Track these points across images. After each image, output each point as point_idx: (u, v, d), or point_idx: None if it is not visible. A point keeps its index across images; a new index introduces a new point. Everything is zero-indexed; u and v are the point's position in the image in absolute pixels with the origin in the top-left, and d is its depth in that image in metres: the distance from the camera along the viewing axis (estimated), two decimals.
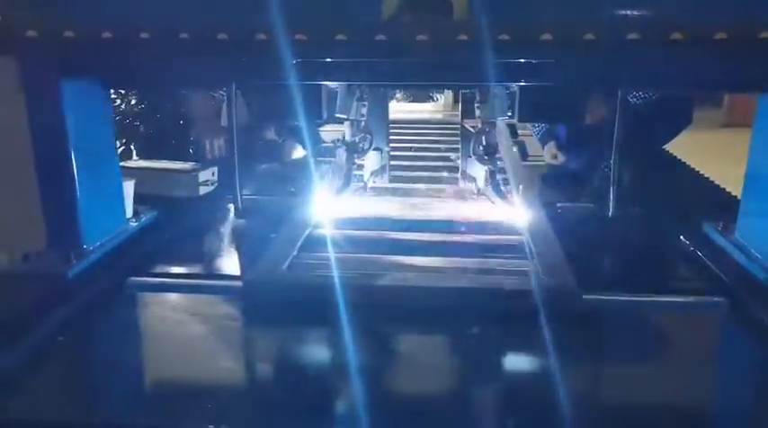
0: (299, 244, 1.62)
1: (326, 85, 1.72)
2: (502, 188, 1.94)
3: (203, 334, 1.33)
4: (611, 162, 1.88)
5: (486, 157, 1.89)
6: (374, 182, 2.07)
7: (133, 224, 1.72)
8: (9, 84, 1.40)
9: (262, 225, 1.88)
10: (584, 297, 1.37)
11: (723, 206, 1.91)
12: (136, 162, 2.22)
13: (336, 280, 1.41)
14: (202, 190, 2.05)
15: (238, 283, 1.45)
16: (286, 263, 1.50)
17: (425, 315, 1.35)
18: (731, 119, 7.36)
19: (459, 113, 2.12)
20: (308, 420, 1.05)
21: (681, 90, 1.57)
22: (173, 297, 1.47)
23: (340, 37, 1.38)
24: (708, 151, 2.60)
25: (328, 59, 1.46)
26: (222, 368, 1.21)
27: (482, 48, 1.36)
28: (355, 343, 1.29)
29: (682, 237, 1.76)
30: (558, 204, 1.99)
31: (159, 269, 1.61)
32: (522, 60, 1.42)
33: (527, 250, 1.60)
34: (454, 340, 1.32)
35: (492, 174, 1.93)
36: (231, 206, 2.05)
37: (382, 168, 2.09)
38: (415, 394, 1.17)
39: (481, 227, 1.79)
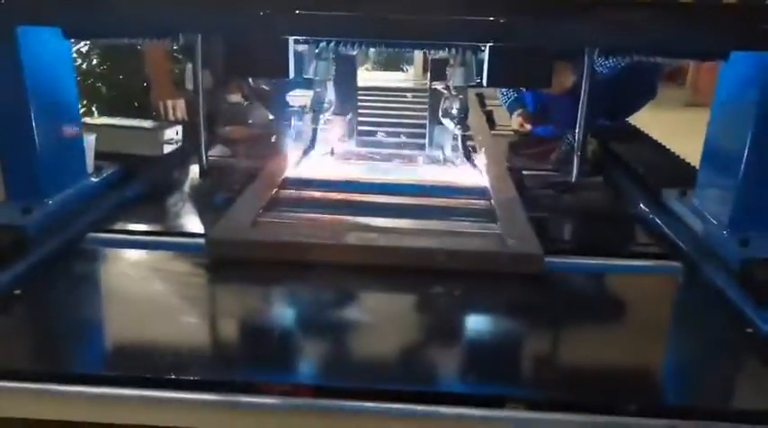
0: (263, 203, 1.61)
1: (295, 46, 1.70)
2: (470, 154, 1.95)
3: (163, 290, 1.33)
4: (576, 131, 1.90)
5: (457, 120, 1.89)
6: (340, 146, 2.06)
7: (94, 179, 1.68)
8: None
9: (226, 184, 1.87)
10: (546, 259, 1.38)
11: (681, 176, 1.96)
12: (98, 118, 2.17)
13: (299, 238, 1.41)
14: (166, 148, 2.02)
15: (200, 240, 1.44)
16: (249, 222, 1.49)
17: (388, 274, 1.36)
18: (695, 98, 7.47)
19: (428, 80, 2.10)
20: (263, 370, 1.06)
21: (647, 55, 1.58)
22: (133, 253, 1.46)
23: None
24: (670, 129, 2.64)
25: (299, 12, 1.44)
26: (182, 322, 1.20)
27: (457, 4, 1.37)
28: (313, 301, 1.31)
29: (641, 204, 1.79)
30: (524, 171, 2.00)
31: (120, 225, 1.58)
32: (492, 19, 1.42)
33: (493, 214, 1.61)
34: (418, 298, 1.33)
35: (463, 139, 1.93)
36: (195, 165, 2.02)
37: (349, 133, 2.08)
38: (372, 350, 1.18)
39: (448, 191, 1.80)
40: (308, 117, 1.96)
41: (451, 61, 1.86)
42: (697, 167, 1.97)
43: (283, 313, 1.30)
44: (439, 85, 1.92)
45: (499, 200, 1.69)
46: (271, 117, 2.83)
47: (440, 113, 1.94)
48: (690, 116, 4.33)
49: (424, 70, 3.05)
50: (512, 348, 1.22)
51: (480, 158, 1.97)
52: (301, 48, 1.73)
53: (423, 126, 2.16)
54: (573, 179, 1.92)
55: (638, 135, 2.57)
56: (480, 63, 1.78)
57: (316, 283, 1.34)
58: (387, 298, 1.34)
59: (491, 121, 2.74)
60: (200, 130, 1.89)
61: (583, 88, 1.83)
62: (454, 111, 1.90)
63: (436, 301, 1.32)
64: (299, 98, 3.07)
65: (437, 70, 2.03)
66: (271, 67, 1.65)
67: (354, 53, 1.95)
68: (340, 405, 0.98)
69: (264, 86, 2.84)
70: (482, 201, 1.73)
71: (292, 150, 2.03)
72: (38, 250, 1.38)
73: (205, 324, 1.24)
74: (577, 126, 1.89)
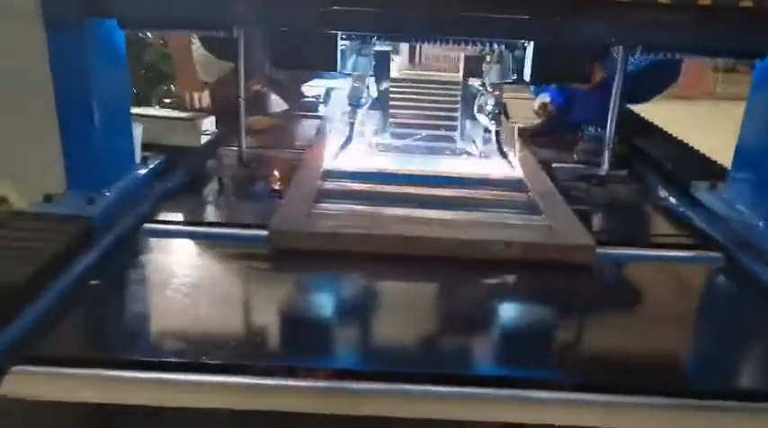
0: (313, 195, 1.65)
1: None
2: (503, 148, 2.00)
3: (229, 280, 1.36)
4: (608, 125, 1.97)
5: (492, 115, 1.94)
6: (375, 139, 2.09)
7: (143, 170, 1.70)
8: (31, 25, 1.37)
9: (265, 175, 1.90)
10: (597, 250, 1.44)
11: (706, 168, 2.03)
12: (135, 109, 2.18)
13: (360, 230, 1.45)
14: (203, 139, 2.04)
15: (259, 232, 1.47)
16: (306, 213, 1.52)
17: (443, 265, 1.41)
18: (682, 91, 7.60)
19: (461, 74, 2.15)
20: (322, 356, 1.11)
21: (684, 54, 1.64)
22: (193, 243, 1.49)
23: None
24: (662, 121, 2.72)
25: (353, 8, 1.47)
26: (247, 311, 1.24)
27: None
28: (376, 291, 1.35)
29: (671, 197, 1.86)
30: (553, 164, 2.06)
31: (174, 216, 1.61)
32: (541, 18, 1.46)
33: (536, 206, 1.66)
34: (475, 288, 1.38)
35: (497, 134, 1.98)
36: (233, 155, 2.05)
37: (383, 126, 2.12)
38: (428, 335, 1.22)
39: (486, 183, 1.85)
40: (345, 111, 1.99)
41: (488, 58, 1.92)
42: (716, 160, 2.06)
43: (347, 302, 1.34)
44: (475, 82, 1.96)
45: (539, 192, 1.74)
46: (286, 106, 2.86)
47: (475, 109, 1.99)
48: (680, 108, 4.44)
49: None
50: (572, 334, 1.28)
51: (512, 152, 2.02)
52: (341, 43, 1.77)
53: (455, 118, 2.20)
54: (604, 172, 1.99)
55: (651, 127, 2.63)
56: (517, 60, 1.84)
57: (377, 274, 1.39)
58: (443, 288, 1.38)
59: (505, 114, 2.80)
60: (240, 122, 1.93)
61: (616, 84, 1.90)
62: (489, 107, 1.95)
63: (493, 291, 1.37)
64: (314, 88, 3.13)
65: (470, 66, 2.08)
66: (320, 61, 1.69)
67: (389, 49, 2.00)
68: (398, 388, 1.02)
69: (280, 77, 2.87)
70: (521, 194, 1.78)
71: (328, 141, 2.07)
72: (103, 240, 1.40)
73: (273, 312, 1.26)
74: (609, 120, 1.96)
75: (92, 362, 1.03)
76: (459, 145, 2.17)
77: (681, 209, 1.79)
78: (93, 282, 1.27)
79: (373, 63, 1.87)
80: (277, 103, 2.85)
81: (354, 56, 1.84)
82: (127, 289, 1.29)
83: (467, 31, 1.51)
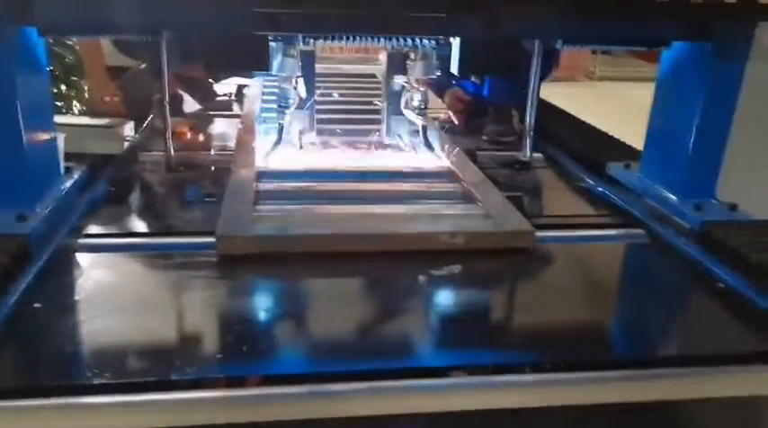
0: (251, 198, 1.63)
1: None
2: (430, 141, 2.05)
3: (180, 292, 1.34)
4: (529, 107, 2.06)
5: (418, 111, 1.99)
6: (302, 137, 2.09)
7: (69, 182, 1.63)
8: None
9: (197, 178, 1.86)
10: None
11: (612, 148, 2.17)
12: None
13: (313, 231, 1.45)
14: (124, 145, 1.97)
15: (202, 239, 1.45)
16: (252, 217, 1.51)
17: (390, 259, 1.44)
18: (558, 74, 8.01)
19: (383, 67, 2.18)
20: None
21: (602, 46, 1.75)
22: (136, 255, 1.44)
23: None
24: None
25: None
26: (202, 321, 1.22)
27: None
28: (333, 290, 1.37)
29: (588, 178, 1.98)
30: (478, 152, 2.13)
31: (110, 227, 1.56)
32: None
33: (471, 196, 1.72)
34: (425, 279, 1.40)
35: (424, 129, 2.03)
36: (156, 160, 2.00)
37: (309, 125, 2.12)
38: (381, 330, 1.25)
39: (418, 175, 1.89)
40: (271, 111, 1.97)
41: (412, 55, 1.96)
42: (617, 139, 2.22)
43: (303, 304, 1.34)
44: (400, 79, 2.00)
45: (471, 181, 1.80)
46: (198, 107, 2.80)
47: (402, 105, 2.03)
48: (563, 91, 4.72)
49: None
50: (522, 315, 1.35)
51: (437, 144, 2.08)
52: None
53: (377, 112, 2.24)
54: (526, 157, 2.09)
55: (552, 110, 2.76)
56: (441, 56, 1.90)
57: (326, 273, 1.40)
58: (395, 281, 1.41)
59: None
60: (166, 126, 1.88)
61: (533, 68, 1.99)
62: (416, 103, 1.99)
63: (443, 281, 1.41)
64: (225, 86, 3.07)
65: (394, 64, 2.11)
66: (253, 62, 1.67)
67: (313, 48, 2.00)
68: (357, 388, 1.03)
69: (192, 76, 2.79)
70: (455, 184, 1.83)
71: (255, 142, 2.05)
72: (39, 259, 1.33)
73: (228, 321, 1.24)
74: (528, 105, 2.06)
75: (38, 391, 0.97)
76: (386, 140, 2.20)
77: (600, 190, 1.91)
78: (35, 305, 1.20)
79: (300, 63, 1.86)
80: (190, 104, 2.78)
81: (280, 56, 1.84)
82: (71, 311, 1.22)
83: (403, 29, 1.53)
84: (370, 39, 1.78)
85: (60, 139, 1.64)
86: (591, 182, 1.99)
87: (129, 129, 2.03)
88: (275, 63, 1.82)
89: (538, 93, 2.04)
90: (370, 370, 1.05)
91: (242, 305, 1.30)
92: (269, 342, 1.18)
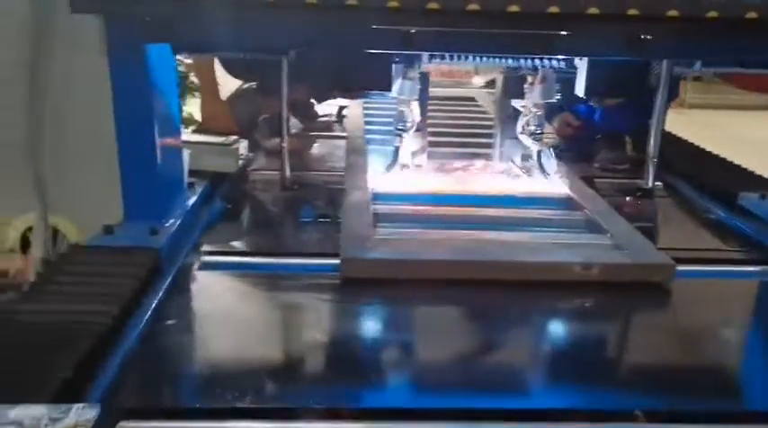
0: (369, 220, 1.60)
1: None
2: (545, 166, 1.98)
3: (309, 315, 1.31)
4: (653, 133, 1.96)
5: (535, 136, 1.93)
6: (414, 160, 2.05)
7: (193, 197, 1.64)
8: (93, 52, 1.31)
9: (310, 198, 1.85)
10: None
11: (741, 178, 2.05)
12: None
13: (430, 256, 1.41)
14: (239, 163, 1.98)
15: (329, 261, 1.43)
16: (374, 240, 1.47)
17: (520, 289, 1.38)
18: None
19: (498, 93, 2.13)
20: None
21: (738, 69, 1.65)
22: (260, 276, 1.42)
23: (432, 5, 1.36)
24: None
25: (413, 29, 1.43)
26: (338, 348, 1.19)
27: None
28: (461, 319, 1.32)
29: (718, 210, 1.86)
30: (595, 179, 2.04)
31: (232, 245, 1.55)
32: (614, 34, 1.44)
33: (596, 225, 1.64)
34: (550, 315, 1.34)
35: (538, 154, 1.96)
36: (269, 179, 2.00)
37: (422, 147, 2.08)
38: (524, 365, 1.19)
39: (540, 202, 1.82)
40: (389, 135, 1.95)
41: (530, 79, 1.90)
42: (743, 168, 2.09)
43: (442, 333, 1.28)
44: (518, 103, 1.94)
45: (594, 209, 1.72)
46: (301, 126, 2.81)
47: (519, 130, 1.96)
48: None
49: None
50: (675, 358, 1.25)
51: (552, 170, 2.00)
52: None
53: (489, 136, 2.18)
54: (648, 185, 1.99)
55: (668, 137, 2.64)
56: (561, 79, 1.83)
57: (456, 301, 1.35)
58: (525, 313, 1.35)
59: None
60: (283, 146, 1.88)
61: (660, 93, 1.90)
62: (532, 127, 1.93)
63: (573, 316, 1.34)
64: (325, 107, 3.08)
65: (509, 87, 2.05)
66: (374, 81, 1.65)
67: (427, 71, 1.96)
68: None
69: (297, 96, 2.82)
70: (577, 212, 1.75)
71: (366, 163, 2.03)
72: (168, 273, 1.34)
73: (365, 349, 1.21)
74: (653, 131, 1.96)
75: (199, 413, 0.96)
76: (498, 164, 2.14)
77: (735, 223, 1.79)
78: (169, 322, 1.20)
79: (418, 86, 1.83)
80: (293, 124, 2.80)
81: (400, 79, 1.81)
82: (202, 330, 1.22)
83: (542, 47, 1.47)
84: (497, 58, 1.74)
85: (186, 156, 1.66)
86: (721, 213, 1.87)
87: (243, 148, 2.04)
88: (395, 85, 1.79)
89: (664, 120, 1.94)
90: (491, 410, 0.98)
91: (366, 332, 1.27)
92: (392, 373, 1.14)
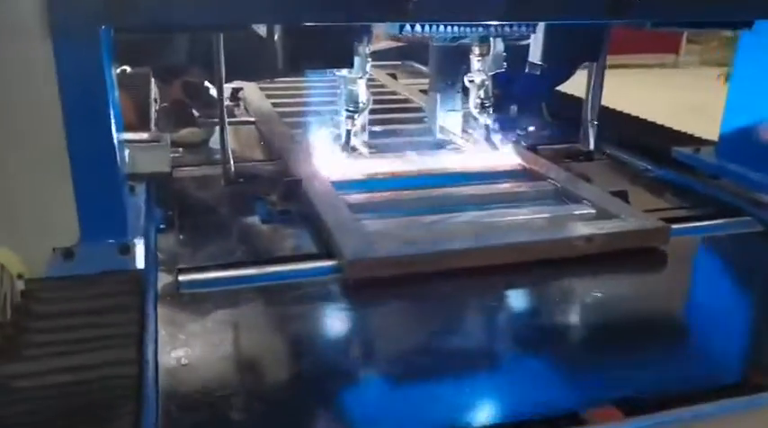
0: (351, 213, 1.46)
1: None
2: (493, 138, 1.93)
3: (321, 327, 1.18)
4: (590, 95, 1.98)
5: (483, 108, 1.87)
6: (356, 140, 1.92)
7: (140, 204, 1.41)
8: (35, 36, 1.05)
9: (258, 191, 1.66)
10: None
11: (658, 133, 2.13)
12: None
13: (440, 247, 1.31)
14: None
15: (323, 263, 1.30)
16: (370, 236, 1.35)
17: (527, 270, 1.33)
18: None
19: (435, 65, 2.04)
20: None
21: (689, 28, 1.68)
22: (250, 289, 1.24)
23: None
24: None
25: None
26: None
27: None
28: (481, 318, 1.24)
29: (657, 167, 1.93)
30: (539, 147, 2.03)
31: (204, 257, 1.35)
32: None
33: (571, 194, 1.62)
34: (577, 292, 1.30)
35: (487, 126, 1.91)
36: (203, 175, 1.79)
37: (361, 127, 1.95)
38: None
39: (503, 175, 1.77)
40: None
41: (476, 50, 1.83)
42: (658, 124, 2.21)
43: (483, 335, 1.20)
44: (476, 76, 1.86)
45: (559, 179, 1.70)
46: (197, 113, 2.56)
47: (472, 105, 1.89)
48: None
49: None
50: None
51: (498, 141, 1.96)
52: None
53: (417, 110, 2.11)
54: (590, 148, 2.01)
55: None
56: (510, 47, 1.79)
57: (474, 292, 1.28)
58: (545, 295, 1.30)
59: None
60: (224, 136, 1.69)
61: (601, 56, 1.90)
62: (483, 100, 1.87)
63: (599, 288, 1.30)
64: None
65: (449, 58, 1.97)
66: (338, 58, 1.51)
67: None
68: None
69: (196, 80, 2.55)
70: (545, 183, 1.72)
71: (307, 149, 1.86)
72: (152, 298, 1.13)
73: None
74: (589, 93, 1.98)
75: None
76: (440, 138, 2.07)
77: (679, 179, 1.85)
78: (183, 362, 1.00)
79: (369, 62, 1.69)
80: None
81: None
82: (222, 365, 1.02)
83: (523, 13, 1.39)
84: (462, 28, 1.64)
85: (126, 156, 1.41)
86: (660, 170, 1.92)
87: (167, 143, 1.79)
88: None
89: (602, 82, 1.96)
90: None
91: (397, 344, 1.14)
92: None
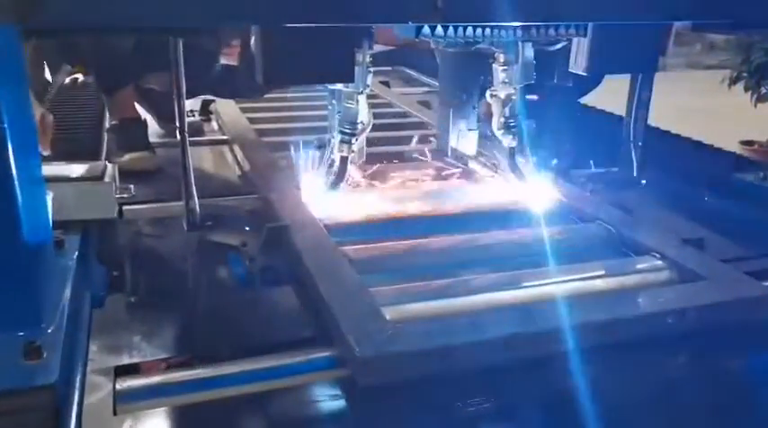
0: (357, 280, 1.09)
1: None
2: (519, 166, 1.56)
3: None
4: (633, 121, 1.67)
5: (507, 128, 1.50)
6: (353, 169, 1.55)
7: (70, 266, 1.02)
8: None
9: (238, 241, 1.29)
10: None
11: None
12: None
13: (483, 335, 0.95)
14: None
15: (316, 354, 0.94)
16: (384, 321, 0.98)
17: (601, 356, 0.97)
18: None
19: (446, 75, 1.69)
20: None
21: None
22: (231, 397, 0.89)
23: None
24: None
25: None
26: None
27: None
28: None
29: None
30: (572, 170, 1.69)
31: (161, 349, 0.97)
32: None
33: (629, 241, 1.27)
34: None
35: (511, 151, 1.54)
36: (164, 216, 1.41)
37: (358, 151, 1.58)
38: None
39: (546, 216, 1.39)
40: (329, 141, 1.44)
41: (501, 58, 1.45)
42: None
43: None
44: (502, 90, 1.48)
45: (614, 221, 1.35)
46: (161, 130, 2.16)
47: (495, 126, 1.52)
48: None
49: None
50: None
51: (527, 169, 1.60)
52: None
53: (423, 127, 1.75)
54: (635, 174, 1.69)
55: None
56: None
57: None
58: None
59: None
60: (187, 163, 1.32)
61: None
62: (503, 119, 1.50)
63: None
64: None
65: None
66: (336, 71, 1.14)
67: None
68: None
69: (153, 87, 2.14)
70: (592, 225, 1.37)
71: (290, 183, 1.49)
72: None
73: None
74: (631, 116, 1.67)
75: None
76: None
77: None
78: None
79: (370, 75, 1.32)
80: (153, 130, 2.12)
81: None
82: None
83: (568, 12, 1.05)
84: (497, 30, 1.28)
85: (49, 201, 1.03)
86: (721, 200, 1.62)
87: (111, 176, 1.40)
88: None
89: (650, 97, 1.63)
90: None
91: None
92: None
